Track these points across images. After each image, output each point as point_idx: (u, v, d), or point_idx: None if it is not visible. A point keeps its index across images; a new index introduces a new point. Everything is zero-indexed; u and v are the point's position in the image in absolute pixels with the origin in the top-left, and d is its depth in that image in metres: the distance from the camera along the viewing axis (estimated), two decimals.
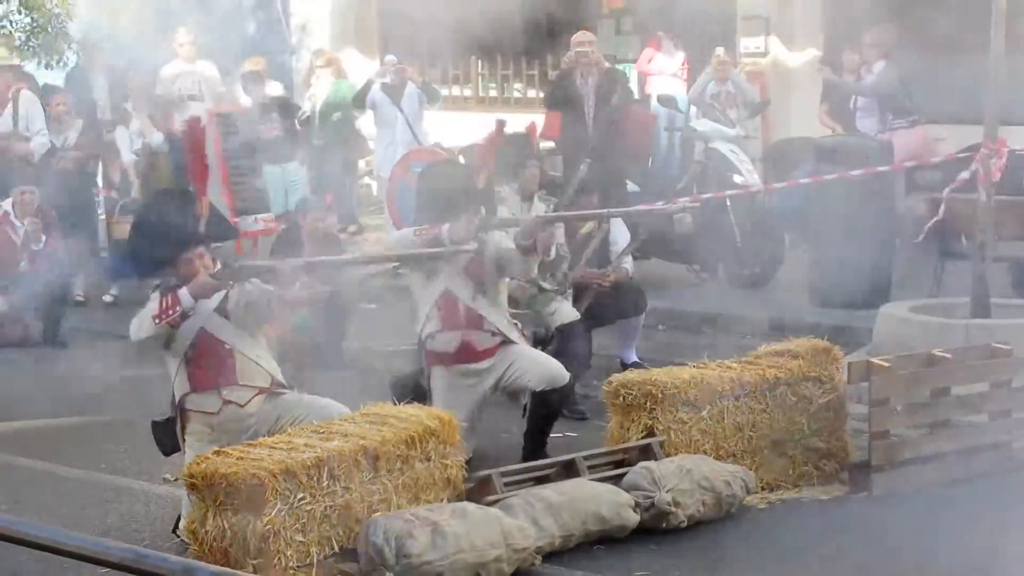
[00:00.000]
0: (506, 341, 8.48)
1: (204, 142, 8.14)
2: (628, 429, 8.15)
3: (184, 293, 7.43)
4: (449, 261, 8.38)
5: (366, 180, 18.52)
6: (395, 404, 7.76)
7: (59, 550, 4.36)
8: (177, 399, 7.65)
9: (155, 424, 7.70)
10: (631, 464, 7.86)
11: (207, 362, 7.58)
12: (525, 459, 8.31)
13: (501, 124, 9.20)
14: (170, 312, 7.45)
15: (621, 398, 8.16)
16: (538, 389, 8.40)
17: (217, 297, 7.60)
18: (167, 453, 7.74)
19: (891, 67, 14.54)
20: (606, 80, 13.65)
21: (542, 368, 8.44)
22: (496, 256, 8.45)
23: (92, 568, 6.59)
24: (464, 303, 8.44)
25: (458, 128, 17.30)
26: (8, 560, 5.46)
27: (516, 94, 19.89)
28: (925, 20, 15.67)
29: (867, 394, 8.18)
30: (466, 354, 8.45)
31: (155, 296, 7.64)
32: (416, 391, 8.50)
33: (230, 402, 7.58)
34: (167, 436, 7.67)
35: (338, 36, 20.70)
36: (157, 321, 7.48)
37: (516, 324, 8.67)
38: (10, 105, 13.83)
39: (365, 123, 16.98)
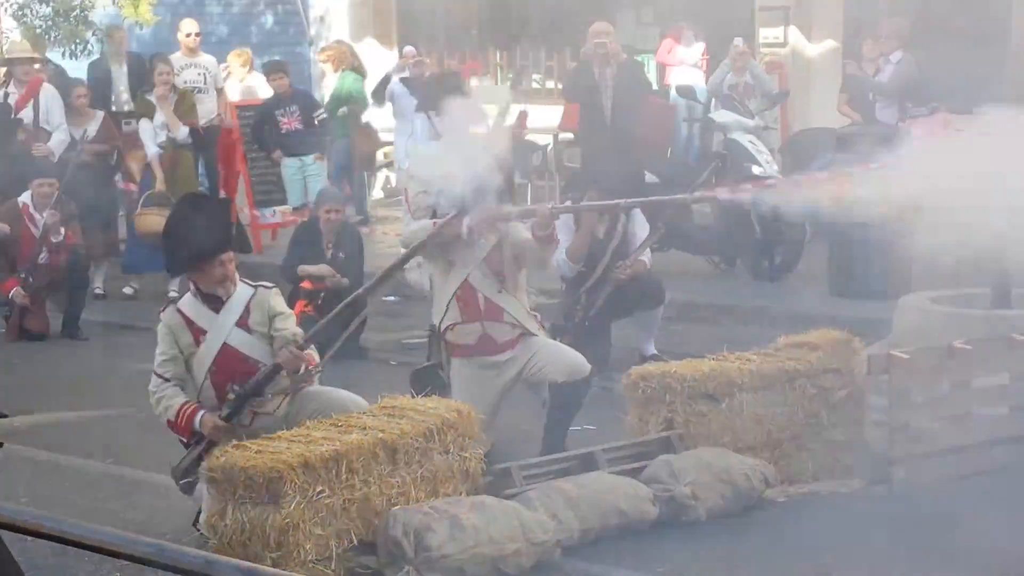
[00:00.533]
0: (526, 333, 8.47)
1: (238, 151, 8.22)
2: (647, 422, 8.15)
3: (197, 420, 7.45)
4: (465, 247, 8.38)
5: (384, 172, 18.53)
6: (414, 396, 7.75)
7: (80, 544, 4.36)
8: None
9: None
10: (650, 457, 7.86)
11: (232, 379, 7.58)
12: (544, 452, 8.29)
13: (523, 115, 9.22)
14: (179, 429, 7.53)
15: (640, 391, 8.15)
16: (559, 381, 8.39)
17: (237, 312, 7.60)
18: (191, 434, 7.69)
19: (908, 57, 14.50)
20: (624, 72, 13.60)
21: (562, 360, 8.42)
22: (514, 247, 8.46)
23: (112, 562, 6.63)
24: (483, 294, 8.43)
25: None
26: (28, 553, 5.47)
27: (535, 85, 19.88)
28: (944, 9, 15.65)
29: (887, 386, 8.15)
30: (486, 346, 8.44)
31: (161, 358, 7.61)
32: (436, 383, 8.49)
33: (259, 413, 7.59)
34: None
35: (356, 28, 20.71)
36: (166, 423, 7.58)
37: (536, 315, 8.66)
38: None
39: (376, 116, 16.94)
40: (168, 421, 7.60)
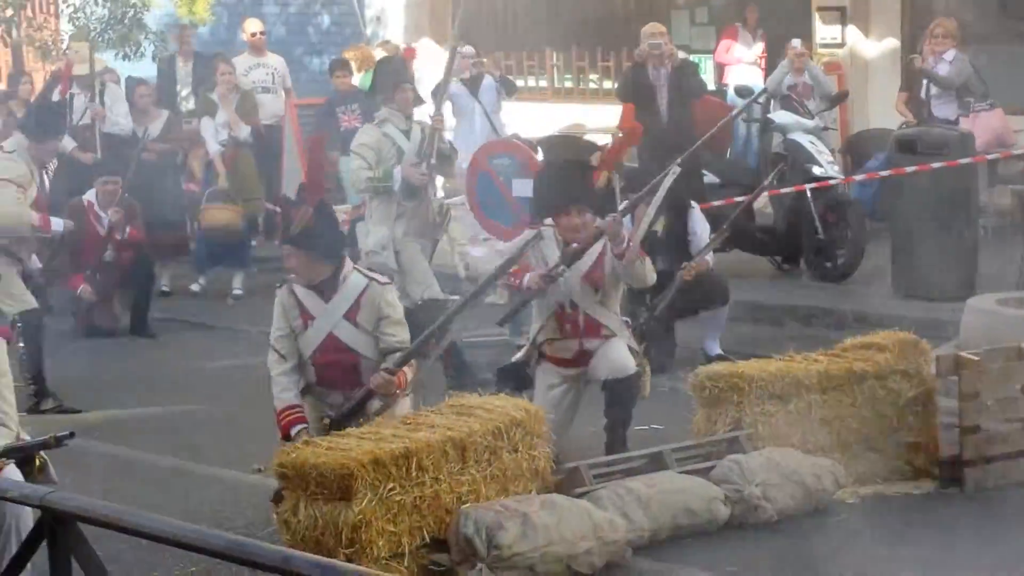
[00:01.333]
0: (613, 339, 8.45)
1: (298, 150, 8.33)
2: (715, 422, 8.15)
3: (293, 432, 7.57)
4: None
5: None
6: (497, 389, 7.84)
7: (160, 538, 4.42)
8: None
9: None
10: (718, 457, 7.86)
11: (334, 365, 7.69)
12: (607, 451, 8.28)
13: (635, 128, 9.09)
14: (278, 425, 7.66)
15: (707, 391, 8.15)
16: (602, 379, 8.36)
17: (346, 305, 7.67)
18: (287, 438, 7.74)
19: (961, 55, 14.44)
20: (678, 72, 13.59)
21: (607, 358, 8.36)
22: (613, 264, 8.40)
23: (188, 556, 6.68)
24: (584, 312, 8.37)
25: (534, 119, 17.33)
26: (106, 548, 5.53)
27: (592, 85, 19.88)
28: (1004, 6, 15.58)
29: (956, 388, 8.11)
30: (583, 360, 8.44)
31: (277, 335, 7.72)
32: (519, 379, 8.50)
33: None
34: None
35: (412, 28, 20.76)
36: (277, 418, 7.69)
37: (627, 321, 8.62)
38: (96, 98, 13.91)
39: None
40: (274, 409, 7.71)
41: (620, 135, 9.49)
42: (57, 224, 11.03)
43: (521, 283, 8.36)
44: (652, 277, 8.56)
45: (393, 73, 10.61)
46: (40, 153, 10.55)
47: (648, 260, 8.47)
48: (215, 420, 9.39)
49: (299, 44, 21.20)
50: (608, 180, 8.72)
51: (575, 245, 8.29)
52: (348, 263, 7.79)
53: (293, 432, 7.57)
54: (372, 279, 7.80)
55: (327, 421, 7.62)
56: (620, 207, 8.76)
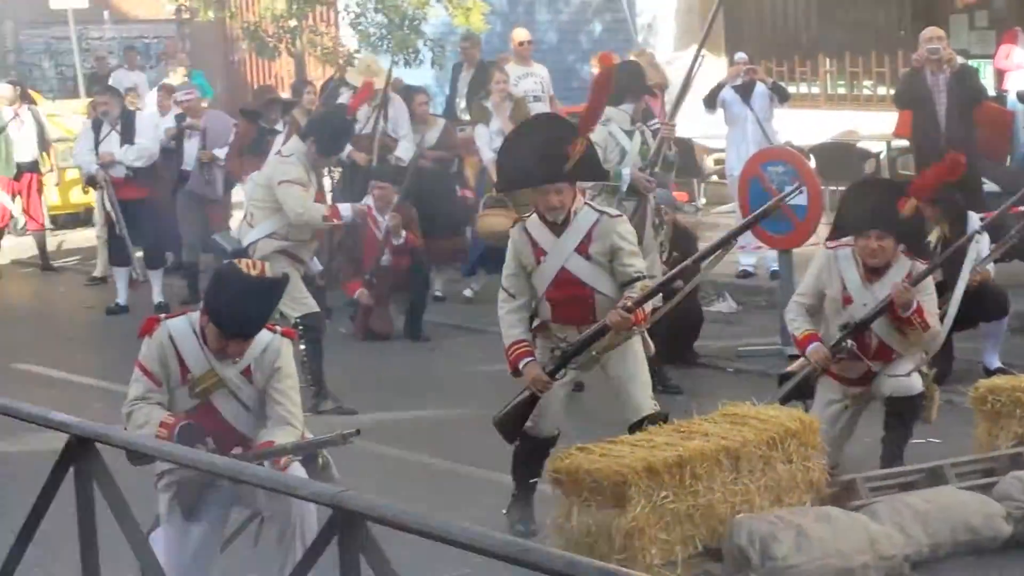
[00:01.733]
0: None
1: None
2: (996, 436, 7.99)
3: (520, 365, 7.66)
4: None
5: (714, 178, 18.47)
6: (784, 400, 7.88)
7: (450, 540, 4.48)
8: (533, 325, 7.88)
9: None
10: (1000, 473, 7.67)
11: (568, 300, 7.72)
12: (883, 465, 8.15)
13: (957, 159, 8.86)
14: (507, 360, 7.77)
15: (989, 404, 8.01)
16: (886, 395, 8.23)
17: (576, 239, 7.68)
18: (516, 372, 7.83)
19: None
20: (957, 77, 13.27)
21: (892, 376, 8.23)
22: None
23: (463, 558, 6.78)
24: (880, 338, 8.25)
25: (807, 126, 17.13)
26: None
27: (866, 91, 19.55)
28: None
29: None
30: (865, 379, 8.34)
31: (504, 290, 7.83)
32: (802, 388, 8.42)
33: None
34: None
35: (683, 35, 20.72)
36: (506, 353, 7.80)
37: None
38: (380, 109, 14.23)
39: (708, 123, 16.83)
40: (504, 346, 7.82)
41: (941, 163, 9.11)
42: (345, 209, 11.33)
43: (804, 353, 8.30)
44: (935, 346, 8.41)
45: (631, 78, 10.62)
46: (321, 161, 10.85)
47: (933, 329, 8.27)
48: (488, 424, 9.50)
49: (571, 51, 21.39)
50: (915, 208, 8.40)
51: (859, 318, 8.18)
52: (579, 198, 7.79)
53: (521, 365, 7.66)
54: (603, 212, 7.81)
55: (558, 352, 7.66)
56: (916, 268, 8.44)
